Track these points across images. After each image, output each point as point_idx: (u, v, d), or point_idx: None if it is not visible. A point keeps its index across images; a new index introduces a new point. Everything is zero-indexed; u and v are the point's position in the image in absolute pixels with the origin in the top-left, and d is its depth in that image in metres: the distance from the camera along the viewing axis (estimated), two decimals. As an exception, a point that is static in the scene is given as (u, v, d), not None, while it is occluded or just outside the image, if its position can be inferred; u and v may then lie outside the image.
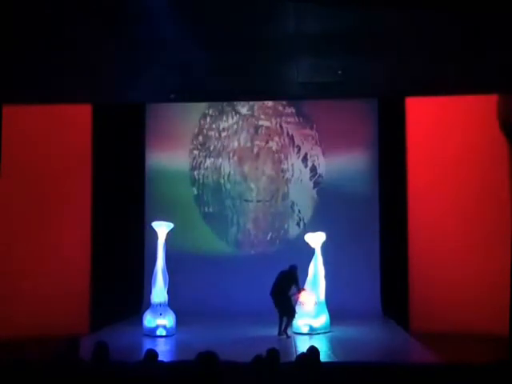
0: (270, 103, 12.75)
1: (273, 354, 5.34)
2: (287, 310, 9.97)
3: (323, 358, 7.34)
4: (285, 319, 9.92)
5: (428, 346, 8.84)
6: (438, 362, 7.81)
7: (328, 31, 7.34)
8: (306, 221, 12.59)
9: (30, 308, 10.22)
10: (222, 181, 12.80)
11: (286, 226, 12.66)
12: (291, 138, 12.75)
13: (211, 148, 12.84)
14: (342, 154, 12.52)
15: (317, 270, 10.33)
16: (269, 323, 10.01)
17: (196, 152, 12.85)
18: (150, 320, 9.97)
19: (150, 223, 10.87)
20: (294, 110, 12.77)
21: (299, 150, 12.73)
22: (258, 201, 12.72)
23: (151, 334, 9.87)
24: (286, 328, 9.89)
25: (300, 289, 10.15)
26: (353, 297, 11.54)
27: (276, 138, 12.77)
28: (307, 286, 10.24)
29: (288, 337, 9.77)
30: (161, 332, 9.89)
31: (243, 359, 5.55)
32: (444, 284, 10.39)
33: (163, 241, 10.34)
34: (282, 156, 12.76)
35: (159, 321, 9.94)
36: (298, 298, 10.18)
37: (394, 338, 10.04)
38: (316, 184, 12.68)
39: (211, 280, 12.11)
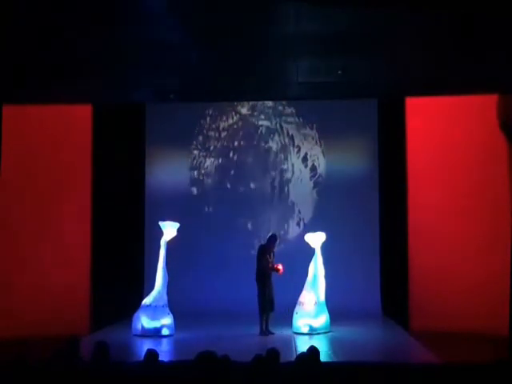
0: (269, 103, 12.74)
1: (273, 353, 5.34)
2: (259, 296, 9.86)
3: (323, 358, 7.32)
4: (264, 316, 9.86)
5: (428, 345, 8.82)
6: (438, 362, 7.80)
7: (328, 31, 7.34)
8: (306, 221, 12.58)
9: (30, 308, 10.23)
10: (222, 181, 12.79)
11: (285, 226, 12.66)
12: (291, 138, 12.75)
13: (211, 148, 12.84)
14: (342, 154, 12.51)
15: (317, 269, 10.30)
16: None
17: (196, 152, 12.84)
18: (150, 320, 9.92)
19: (150, 223, 10.83)
20: (294, 110, 12.76)
21: (299, 149, 12.72)
22: (258, 201, 12.71)
23: (157, 333, 9.80)
24: (266, 325, 9.84)
25: (273, 264, 10.00)
26: (353, 297, 11.53)
27: (276, 138, 12.77)
28: (307, 285, 10.23)
29: (270, 333, 9.74)
30: (165, 332, 9.86)
31: (243, 359, 5.55)
32: (444, 284, 10.39)
33: (166, 241, 10.27)
34: (282, 156, 12.76)
35: (163, 320, 9.90)
36: (276, 268, 9.98)
37: (394, 337, 10.02)
38: (316, 184, 12.67)
39: (211, 280, 12.10)
